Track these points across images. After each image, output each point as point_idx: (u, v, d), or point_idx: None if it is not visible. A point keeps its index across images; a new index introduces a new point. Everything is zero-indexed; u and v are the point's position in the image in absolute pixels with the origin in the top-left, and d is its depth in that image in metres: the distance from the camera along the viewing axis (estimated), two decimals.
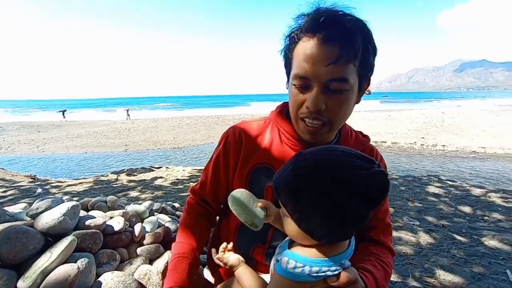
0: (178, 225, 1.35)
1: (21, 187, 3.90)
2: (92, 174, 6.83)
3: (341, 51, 0.58)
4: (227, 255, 0.68)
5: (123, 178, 4.60)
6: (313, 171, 0.48)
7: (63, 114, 24.61)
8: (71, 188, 4.05)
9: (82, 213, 1.34)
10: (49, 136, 14.69)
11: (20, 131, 17.39)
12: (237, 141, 0.80)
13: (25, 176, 4.86)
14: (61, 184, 4.31)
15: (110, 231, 1.26)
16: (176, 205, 2.46)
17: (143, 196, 3.55)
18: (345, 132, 0.81)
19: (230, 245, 0.70)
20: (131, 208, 1.54)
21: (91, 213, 1.40)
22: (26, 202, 1.98)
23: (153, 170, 5.04)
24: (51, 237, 1.12)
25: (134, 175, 4.75)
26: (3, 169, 5.15)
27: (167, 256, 1.26)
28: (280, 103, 0.87)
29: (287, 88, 0.73)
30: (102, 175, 4.99)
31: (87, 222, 1.21)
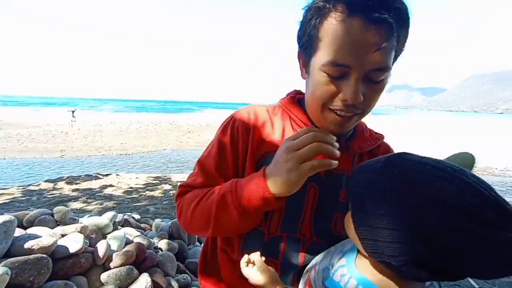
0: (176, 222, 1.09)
1: None
2: (17, 183, 5.63)
3: (389, 34, 0.49)
4: (255, 271, 0.52)
5: (62, 186, 3.85)
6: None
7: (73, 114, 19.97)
8: None
9: (18, 231, 0.99)
10: None
11: None
12: (246, 127, 0.68)
13: None
14: None
15: (62, 254, 0.95)
16: (136, 216, 2.10)
17: (89, 207, 2.99)
18: (359, 124, 0.74)
19: (257, 257, 0.54)
20: (89, 221, 1.21)
21: (31, 230, 1.04)
22: None
23: (100, 178, 4.35)
24: None
25: (77, 184, 4.03)
26: None
27: (144, 280, 1.00)
28: (291, 90, 0.77)
29: (305, 74, 0.61)
30: (31, 184, 4.10)
31: (26, 245, 0.88)
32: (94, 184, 4.04)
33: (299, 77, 0.69)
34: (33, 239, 0.90)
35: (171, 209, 2.96)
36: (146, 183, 4.15)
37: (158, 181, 4.28)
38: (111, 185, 3.97)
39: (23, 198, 3.34)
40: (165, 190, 3.82)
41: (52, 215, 1.18)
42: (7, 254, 0.85)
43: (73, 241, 0.98)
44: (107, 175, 4.60)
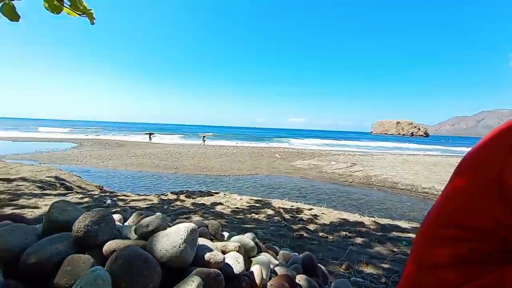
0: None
1: (93, 196, 4.04)
2: (146, 191, 7.01)
3: None
4: None
5: (184, 199, 4.48)
6: None
7: (149, 137, 28.34)
8: (135, 203, 4.05)
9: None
10: (112, 153, 16.29)
11: (93, 147, 19.79)
12: None
13: (95, 186, 5.14)
14: (126, 198, 4.37)
15: (228, 273, 0.94)
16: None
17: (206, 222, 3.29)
18: None
19: None
20: (237, 240, 1.22)
21: (199, 241, 1.12)
22: (117, 213, 1.84)
23: (212, 195, 4.86)
24: (168, 270, 0.85)
25: (193, 198, 4.62)
26: (80, 177, 5.53)
27: None
28: None
29: None
30: (162, 194, 4.98)
31: (206, 256, 0.93)
32: (207, 200, 4.52)
33: None
34: (209, 251, 0.94)
35: (278, 237, 2.89)
36: (250, 205, 4.32)
37: (261, 205, 4.38)
38: (220, 203, 4.33)
39: (159, 205, 4.05)
40: (269, 214, 3.84)
41: (207, 227, 1.25)
42: (195, 262, 0.90)
43: (234, 260, 0.97)
44: (216, 192, 5.09)
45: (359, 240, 3.05)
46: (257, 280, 0.98)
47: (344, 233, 3.24)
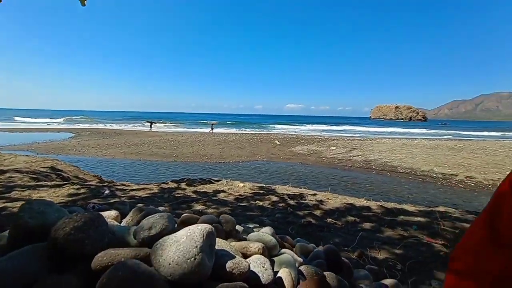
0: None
1: (91, 186, 3.90)
2: (145, 180, 6.89)
3: None
4: None
5: (185, 188, 4.36)
6: None
7: (150, 126, 28.98)
8: (134, 193, 3.92)
9: None
10: (110, 142, 16.07)
11: (90, 136, 19.53)
12: None
13: (93, 176, 5.00)
14: (125, 188, 4.24)
15: (255, 283, 0.79)
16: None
17: (209, 210, 3.18)
18: None
19: None
20: (256, 237, 1.07)
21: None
22: (114, 209, 1.70)
23: (213, 183, 4.74)
24: None
25: (195, 186, 4.50)
26: (78, 167, 5.38)
27: None
28: None
29: None
30: (163, 183, 4.85)
31: (228, 265, 0.76)
32: (209, 188, 4.40)
33: None
34: (229, 258, 0.78)
35: (286, 224, 2.79)
36: (254, 192, 4.21)
37: (264, 191, 4.27)
38: (223, 191, 4.22)
39: (159, 194, 3.92)
40: (273, 201, 3.74)
41: (220, 223, 1.11)
42: (215, 275, 0.73)
43: (260, 267, 0.82)
44: (218, 180, 4.98)
45: (367, 225, 2.96)
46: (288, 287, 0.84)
47: (352, 218, 3.15)
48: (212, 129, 28.35)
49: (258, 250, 0.87)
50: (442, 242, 2.47)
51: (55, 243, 0.64)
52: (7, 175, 3.97)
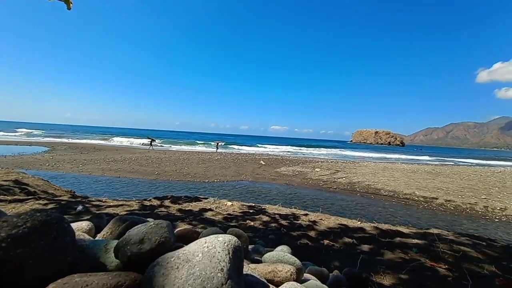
0: None
1: (61, 202, 3.47)
2: (125, 197, 6.42)
3: None
4: None
5: (168, 205, 4.02)
6: None
7: (150, 143, 26.97)
8: (112, 210, 3.53)
9: None
10: (88, 157, 15.16)
11: (67, 151, 18.39)
12: None
13: (65, 191, 4.52)
14: (102, 204, 3.83)
15: None
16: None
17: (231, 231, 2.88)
18: None
19: None
20: (275, 257, 0.87)
21: None
22: (86, 220, 1.42)
23: (200, 200, 4.43)
24: None
25: (179, 204, 4.16)
26: (48, 181, 4.87)
27: None
28: None
29: None
30: (145, 199, 4.47)
31: None
32: (194, 206, 4.09)
33: None
34: (261, 287, 0.58)
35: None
36: (243, 212, 3.95)
37: (254, 211, 4.02)
38: (210, 209, 3.92)
39: (140, 212, 3.56)
40: (265, 221, 3.50)
41: (239, 237, 0.91)
42: None
43: None
44: (205, 198, 4.67)
45: (366, 247, 2.79)
46: None
47: (349, 240, 2.98)
48: (217, 148, 27.69)
49: (291, 275, 0.68)
50: (446, 266, 2.35)
51: None
52: None
